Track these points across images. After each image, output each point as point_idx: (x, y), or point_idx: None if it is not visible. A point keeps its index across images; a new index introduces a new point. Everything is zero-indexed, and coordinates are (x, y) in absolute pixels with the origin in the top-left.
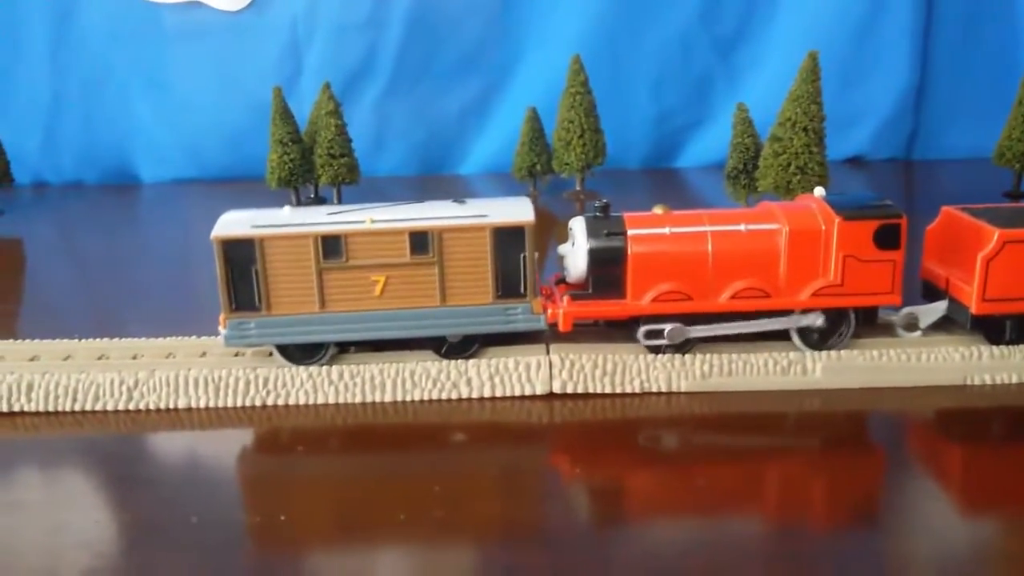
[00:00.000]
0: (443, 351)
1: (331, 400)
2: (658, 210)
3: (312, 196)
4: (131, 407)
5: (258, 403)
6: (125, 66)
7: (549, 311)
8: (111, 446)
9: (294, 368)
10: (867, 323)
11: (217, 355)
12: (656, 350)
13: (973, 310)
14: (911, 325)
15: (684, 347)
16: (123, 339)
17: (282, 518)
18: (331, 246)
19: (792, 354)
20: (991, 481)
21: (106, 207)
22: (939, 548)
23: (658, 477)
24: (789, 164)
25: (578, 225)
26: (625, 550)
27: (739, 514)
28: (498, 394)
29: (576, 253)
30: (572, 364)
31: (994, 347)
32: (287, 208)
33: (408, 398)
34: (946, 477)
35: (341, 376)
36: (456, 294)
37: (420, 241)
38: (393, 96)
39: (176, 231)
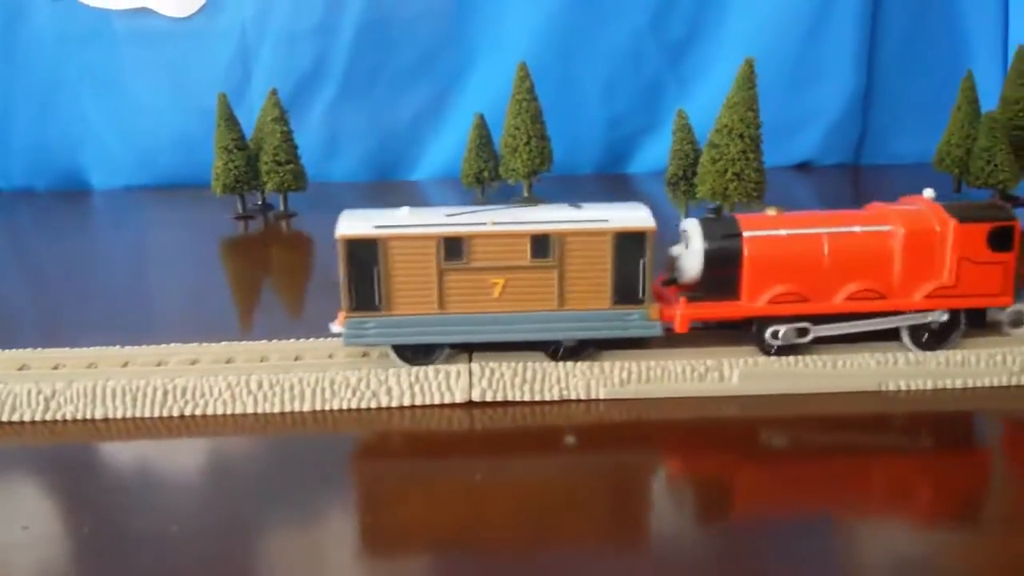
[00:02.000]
0: (557, 355)
1: (250, 410)
2: (771, 211)
3: (259, 203)
4: (48, 418)
5: (176, 413)
6: (75, 72)
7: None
8: (26, 457)
9: (212, 378)
10: (976, 323)
11: (139, 366)
12: (770, 350)
13: None
14: (1017, 322)
15: (797, 348)
16: (75, 348)
17: (174, 528)
18: (453, 247)
19: (709, 361)
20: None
21: (57, 214)
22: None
23: (566, 484)
24: (726, 171)
25: (693, 227)
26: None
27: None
28: (418, 403)
29: (691, 255)
30: (492, 372)
31: (909, 353)
32: (405, 209)
33: (328, 407)
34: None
35: (260, 386)
36: (574, 298)
37: (541, 244)
38: (345, 102)
39: (128, 238)
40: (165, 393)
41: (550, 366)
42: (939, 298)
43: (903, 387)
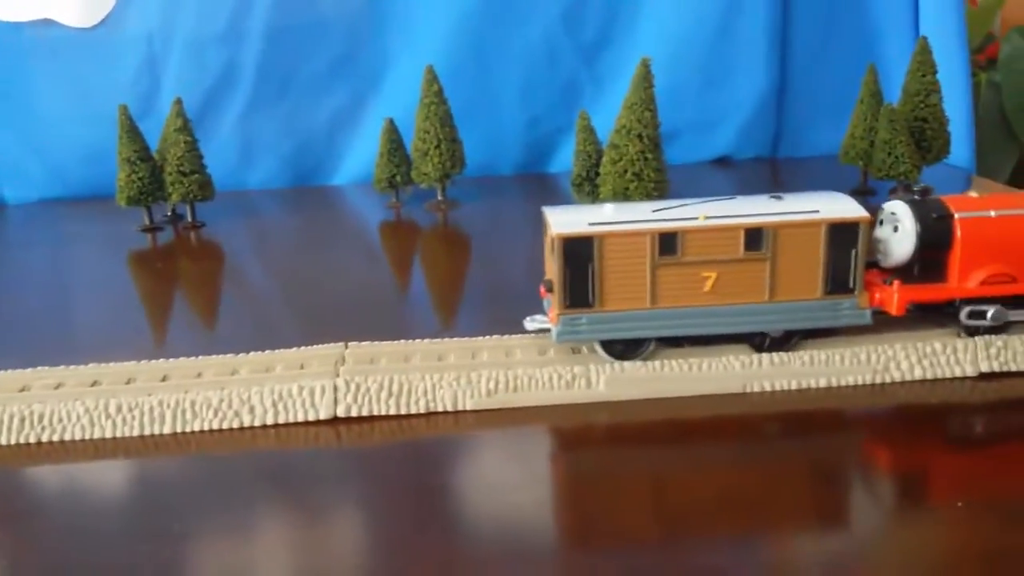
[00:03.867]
0: (764, 346)
1: (108, 434)
2: (973, 193)
3: (168, 214)
4: None
5: (32, 440)
6: None
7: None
8: None
9: (70, 403)
10: None
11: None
12: (976, 332)
13: None
14: None
15: (1003, 329)
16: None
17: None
18: (667, 243)
19: (576, 368)
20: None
21: None
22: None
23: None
24: (626, 171)
25: (902, 209)
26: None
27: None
28: (281, 421)
29: (901, 237)
30: (358, 387)
31: (773, 355)
32: (609, 206)
33: (189, 429)
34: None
35: (119, 409)
36: (785, 289)
37: (755, 237)
38: (258, 109)
39: (36, 254)
40: (22, 420)
41: (416, 378)
42: None
43: (767, 388)
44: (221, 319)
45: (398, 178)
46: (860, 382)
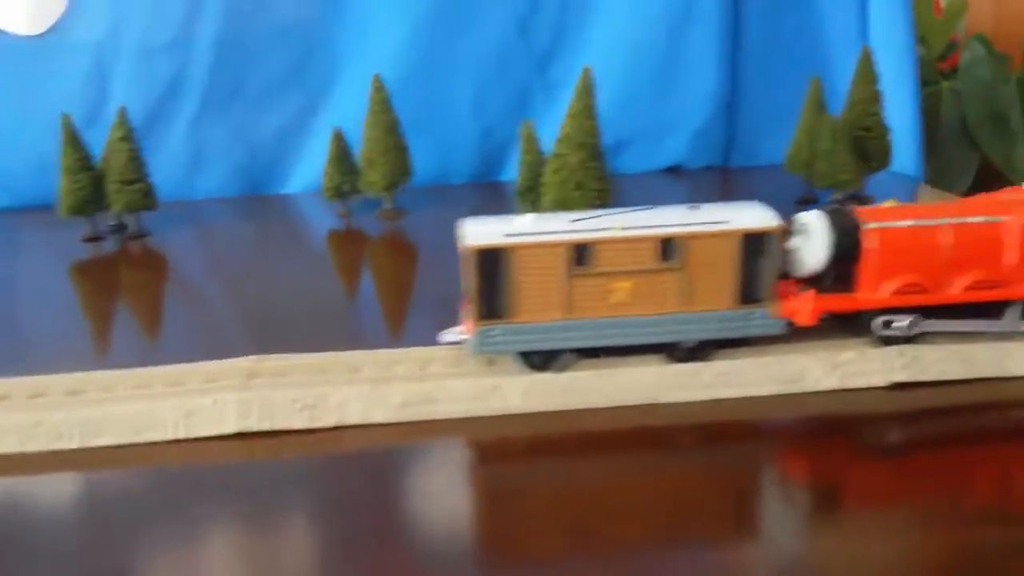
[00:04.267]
0: (676, 356)
1: (13, 450)
2: (889, 203)
3: (113, 223)
4: None
5: None
6: None
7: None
8: None
9: None
10: None
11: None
12: (890, 341)
13: None
14: None
15: (916, 339)
16: None
17: None
18: (581, 254)
19: (490, 380)
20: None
21: None
22: None
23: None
24: (568, 181)
25: (814, 219)
26: None
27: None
28: (190, 436)
29: (814, 247)
30: (268, 401)
31: (685, 365)
32: (528, 217)
33: (95, 444)
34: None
35: (20, 426)
36: (698, 299)
37: (667, 248)
38: (208, 117)
39: None
40: None
41: (328, 391)
42: None
43: (679, 399)
44: (163, 329)
45: (346, 187)
46: (771, 392)
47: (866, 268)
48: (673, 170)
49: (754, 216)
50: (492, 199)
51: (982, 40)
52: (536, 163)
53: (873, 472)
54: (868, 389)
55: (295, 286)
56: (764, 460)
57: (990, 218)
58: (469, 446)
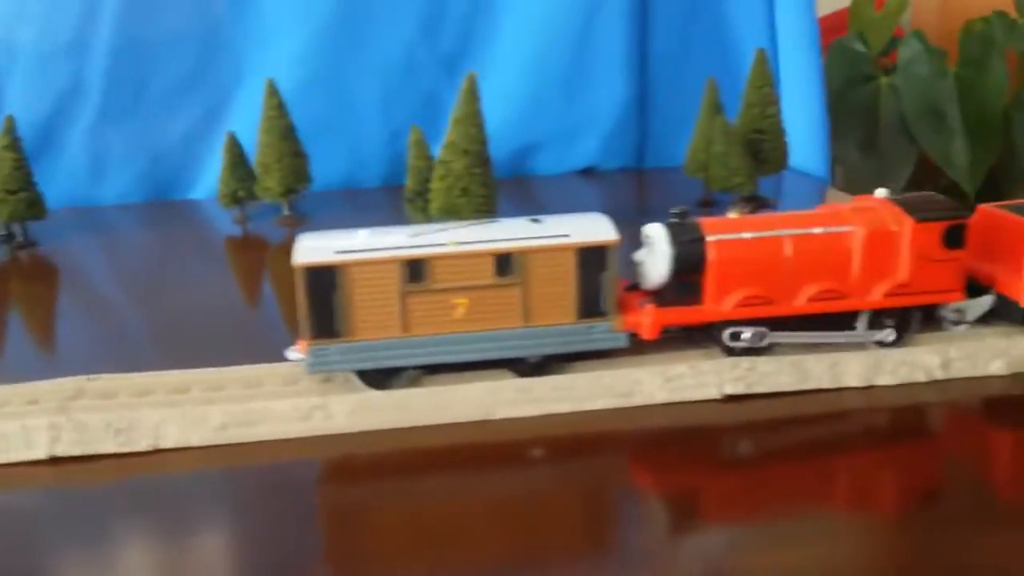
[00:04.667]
0: (523, 371)
1: None
2: (733, 214)
3: (3, 233)
4: None
5: None
6: None
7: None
8: None
9: None
10: (925, 319)
11: None
12: (735, 352)
13: None
14: (959, 319)
15: (764, 351)
16: None
17: None
18: (415, 270)
19: (315, 399)
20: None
21: None
22: None
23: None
24: (453, 187)
25: (657, 232)
26: None
27: None
28: (4, 461)
29: (656, 259)
30: (81, 425)
31: (519, 381)
32: (363, 231)
33: None
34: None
35: None
36: (539, 314)
37: (504, 262)
38: (108, 122)
39: None
40: None
41: (145, 414)
42: (895, 296)
43: (511, 414)
44: (55, 341)
45: (242, 193)
46: (604, 407)
47: (709, 281)
48: (587, 172)
49: (594, 229)
50: (400, 204)
51: (919, 36)
52: (425, 168)
53: (715, 483)
54: (702, 402)
55: (185, 294)
56: (605, 474)
57: (834, 228)
58: (307, 467)
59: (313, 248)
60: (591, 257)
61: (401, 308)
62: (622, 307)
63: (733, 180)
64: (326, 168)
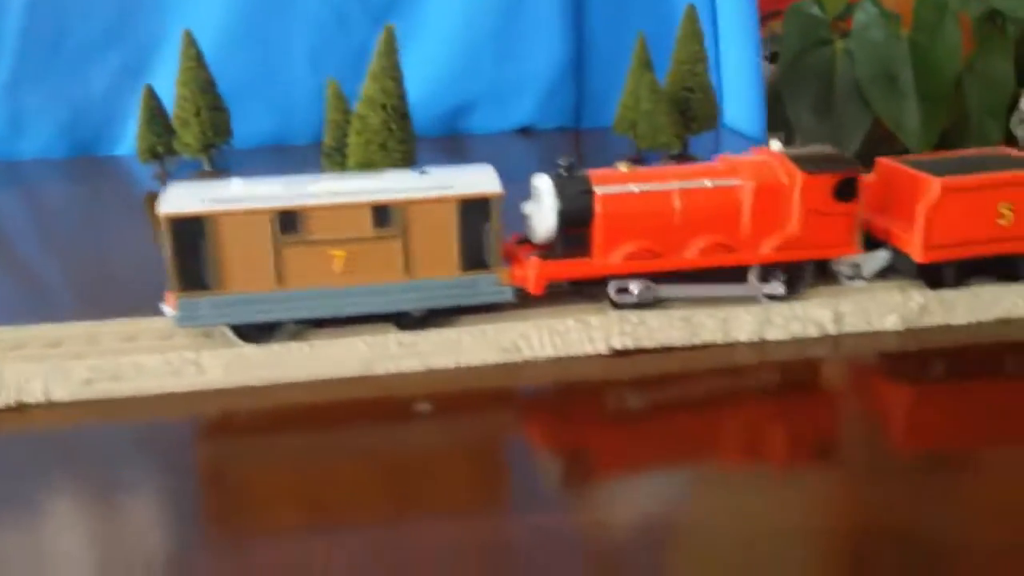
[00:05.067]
0: (407, 325)
1: None
2: (622, 167)
3: None
4: None
5: None
6: None
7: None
8: None
9: None
10: (820, 274)
11: None
12: (623, 307)
13: (917, 259)
14: (856, 274)
15: (650, 305)
16: None
17: None
18: (288, 221)
19: (188, 353)
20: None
21: None
22: None
23: None
24: (370, 142)
25: (544, 184)
26: None
27: None
28: None
29: (543, 212)
30: None
31: (401, 335)
32: (236, 180)
33: None
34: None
35: None
36: (420, 267)
37: (383, 214)
38: (25, 77)
39: None
40: None
41: (10, 368)
42: (786, 249)
43: (392, 369)
44: None
45: (160, 148)
46: (490, 361)
47: (597, 234)
48: (524, 131)
49: (479, 181)
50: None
51: (874, 1)
52: (343, 123)
53: (604, 438)
54: (588, 356)
55: (97, 249)
56: (492, 429)
57: (723, 181)
58: (181, 423)
59: (180, 198)
60: (473, 209)
61: (275, 260)
62: (510, 261)
63: (660, 138)
64: (254, 124)
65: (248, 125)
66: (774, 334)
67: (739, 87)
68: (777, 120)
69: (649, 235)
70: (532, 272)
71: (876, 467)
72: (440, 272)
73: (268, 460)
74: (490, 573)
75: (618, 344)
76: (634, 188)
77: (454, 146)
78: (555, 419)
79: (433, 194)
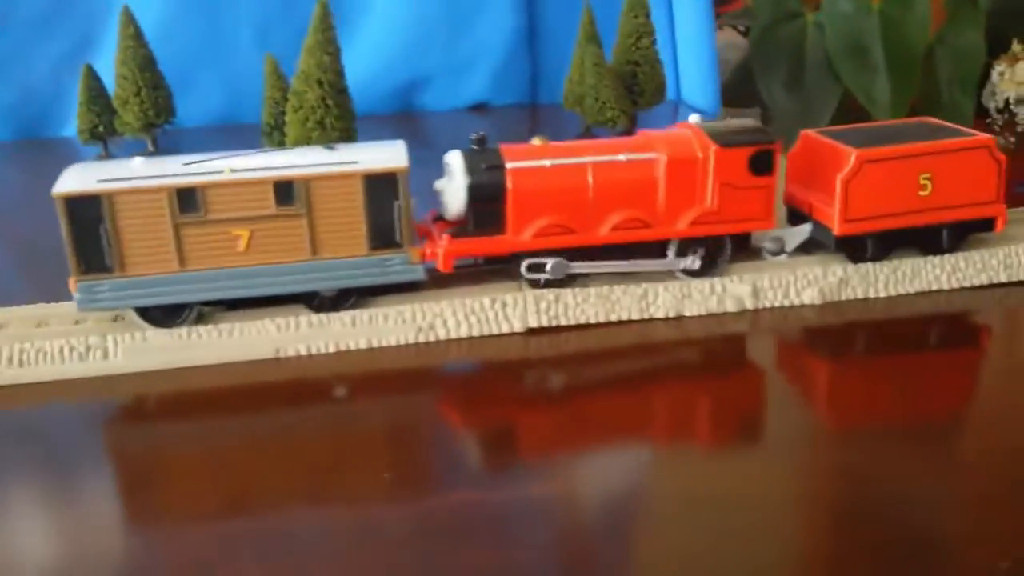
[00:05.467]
0: (315, 305)
1: None
2: (536, 141)
3: None
4: None
5: None
6: None
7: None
8: None
9: None
10: (740, 249)
11: None
12: (538, 285)
13: (836, 231)
14: (778, 249)
15: (567, 282)
16: None
17: None
18: (187, 199)
19: (92, 338)
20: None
21: None
22: None
23: None
24: (307, 119)
25: (454, 159)
26: None
27: None
28: None
29: (454, 188)
30: None
31: (312, 316)
32: (138, 159)
33: None
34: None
35: None
36: (328, 246)
37: (286, 191)
38: None
39: None
40: None
41: None
42: (702, 224)
43: (303, 352)
44: None
45: (101, 128)
46: (404, 341)
47: (510, 210)
48: (479, 108)
49: (386, 156)
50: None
51: None
52: (281, 100)
53: (521, 417)
54: (505, 335)
55: (32, 233)
56: (407, 411)
57: (637, 155)
58: (90, 408)
59: (76, 178)
60: (380, 185)
61: (175, 241)
62: (426, 239)
63: (606, 113)
64: (203, 102)
65: (197, 104)
66: (693, 310)
67: (693, 61)
68: (751, 95)
69: (562, 210)
70: (441, 250)
71: (797, 441)
72: (348, 251)
73: (177, 445)
74: (411, 552)
75: (535, 322)
76: (546, 163)
77: (406, 124)
78: (473, 399)
79: (337, 170)
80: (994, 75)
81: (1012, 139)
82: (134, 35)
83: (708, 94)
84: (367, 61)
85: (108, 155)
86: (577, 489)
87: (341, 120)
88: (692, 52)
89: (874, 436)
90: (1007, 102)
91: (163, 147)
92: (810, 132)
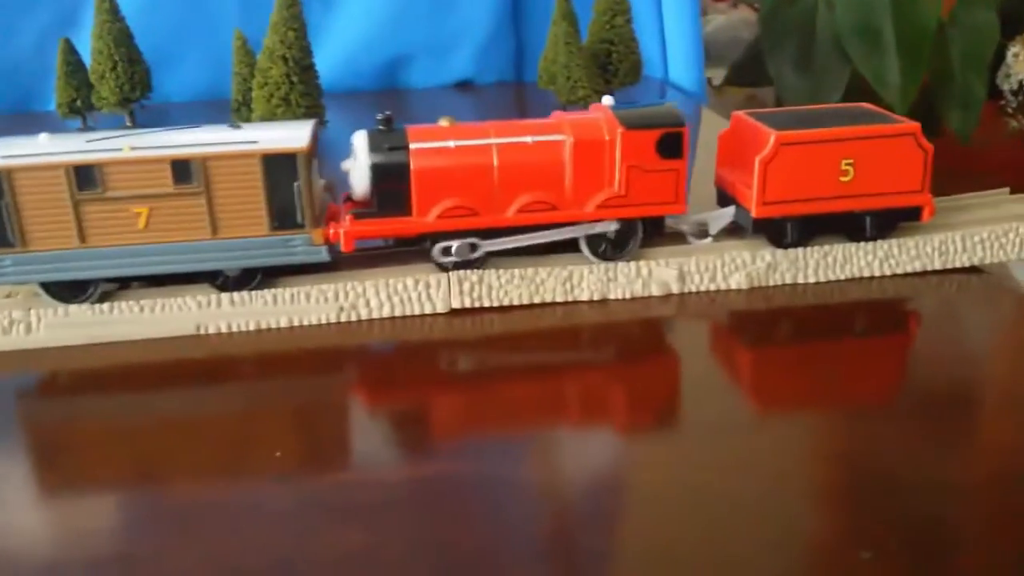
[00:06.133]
0: (220, 284)
1: None
2: (444, 122)
3: None
4: None
5: None
6: None
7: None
8: None
9: None
10: (655, 233)
11: None
12: (447, 267)
13: (753, 214)
14: (702, 232)
15: (476, 264)
16: None
17: None
18: (85, 176)
19: (16, 312)
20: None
21: None
22: None
23: None
24: (272, 96)
25: (359, 140)
26: None
27: None
28: None
29: (358, 169)
30: None
31: (234, 295)
32: (43, 136)
33: None
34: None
35: None
36: (228, 226)
37: (183, 170)
38: None
39: None
40: None
41: None
42: (611, 208)
43: (224, 329)
44: None
45: (79, 103)
46: (325, 320)
47: (414, 191)
48: (463, 85)
49: (284, 136)
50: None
51: None
52: (249, 76)
53: (442, 399)
54: (428, 315)
55: None
56: (325, 391)
57: (544, 137)
58: (8, 381)
59: None
60: (279, 165)
61: (75, 217)
62: (332, 220)
63: (578, 92)
64: (188, 77)
65: (182, 78)
66: (618, 293)
67: (679, 41)
68: (763, 74)
69: (467, 192)
70: (343, 230)
71: (720, 427)
72: (249, 231)
73: (90, 418)
74: (326, 531)
75: (458, 303)
76: (451, 143)
77: (392, 102)
78: (388, 379)
79: (234, 149)
80: (1008, 56)
81: None
82: (110, 10)
83: (692, 74)
84: (351, 38)
85: (87, 129)
86: (491, 472)
87: (307, 97)
88: (677, 32)
89: (796, 423)
90: (1021, 84)
91: (141, 122)
92: (740, 113)
